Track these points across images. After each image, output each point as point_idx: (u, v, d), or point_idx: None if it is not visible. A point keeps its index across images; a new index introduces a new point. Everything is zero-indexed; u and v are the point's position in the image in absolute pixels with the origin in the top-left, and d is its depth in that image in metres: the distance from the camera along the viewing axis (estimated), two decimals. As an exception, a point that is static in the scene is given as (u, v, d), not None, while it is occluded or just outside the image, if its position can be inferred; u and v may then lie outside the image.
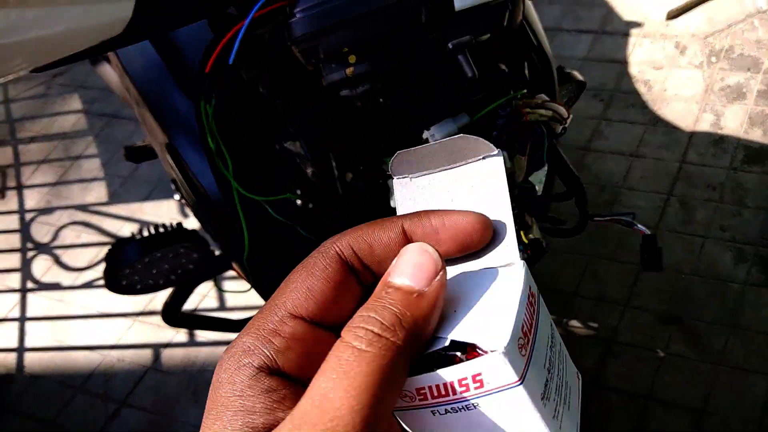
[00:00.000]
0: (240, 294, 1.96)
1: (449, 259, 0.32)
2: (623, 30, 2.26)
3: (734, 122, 2.00)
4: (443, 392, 0.28)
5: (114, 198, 2.29)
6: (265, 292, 1.04)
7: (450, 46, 0.77)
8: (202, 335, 1.89)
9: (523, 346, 0.28)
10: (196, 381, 1.80)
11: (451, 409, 0.28)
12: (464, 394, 0.28)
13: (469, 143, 0.34)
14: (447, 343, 0.28)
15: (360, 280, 0.32)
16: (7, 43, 0.55)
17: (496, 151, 0.34)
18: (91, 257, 2.15)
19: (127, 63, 1.02)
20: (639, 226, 0.96)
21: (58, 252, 2.19)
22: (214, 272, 1.04)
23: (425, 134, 0.86)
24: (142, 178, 2.31)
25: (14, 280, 2.15)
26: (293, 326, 0.29)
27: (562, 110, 0.88)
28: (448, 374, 0.27)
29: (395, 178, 0.34)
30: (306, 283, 0.30)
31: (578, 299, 1.76)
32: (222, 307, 1.95)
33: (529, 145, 0.88)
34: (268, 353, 0.28)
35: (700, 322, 1.67)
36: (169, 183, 2.23)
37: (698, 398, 1.56)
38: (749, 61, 2.12)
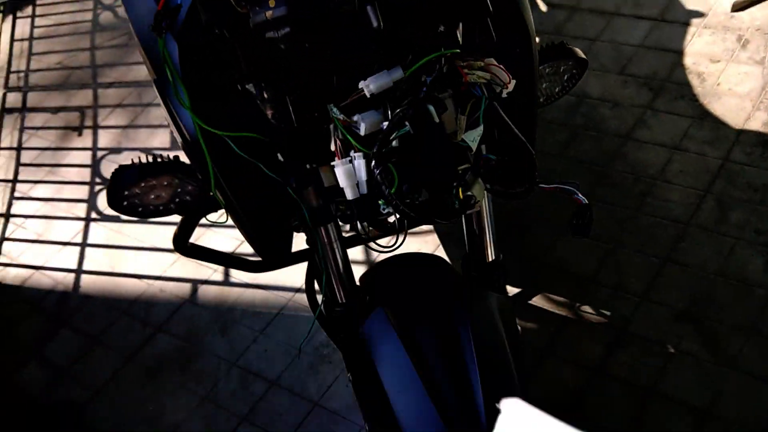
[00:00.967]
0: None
1: None
2: (684, 19, 2.18)
3: (790, 124, 1.91)
4: None
5: (175, 145, 2.47)
6: (240, 225, 1.15)
7: None
8: (235, 276, 2.04)
9: None
10: (225, 317, 1.96)
11: None
12: None
13: None
14: None
15: None
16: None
17: None
18: (148, 196, 2.34)
19: (127, 3, 1.14)
20: (579, 195, 0.99)
21: (121, 188, 2.40)
22: (211, 208, 1.15)
23: (361, 84, 0.92)
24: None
25: (81, 209, 2.38)
26: None
27: (503, 74, 0.93)
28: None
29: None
30: None
31: (595, 286, 1.76)
32: (245, 251, 2.09)
33: (469, 106, 0.93)
34: None
35: (718, 323, 1.64)
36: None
37: (703, 400, 1.53)
38: (820, 61, 2.00)
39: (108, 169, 2.48)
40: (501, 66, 0.93)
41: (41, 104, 2.81)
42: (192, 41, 0.97)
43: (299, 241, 1.25)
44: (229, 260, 1.30)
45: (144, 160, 1.07)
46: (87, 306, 2.11)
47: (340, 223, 1.11)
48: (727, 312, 1.64)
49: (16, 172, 2.58)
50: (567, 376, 1.63)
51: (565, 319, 1.72)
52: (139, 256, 2.19)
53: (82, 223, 2.34)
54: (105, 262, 2.21)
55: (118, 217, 2.32)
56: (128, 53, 2.89)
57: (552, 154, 2.04)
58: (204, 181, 1.07)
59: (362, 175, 0.94)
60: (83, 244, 2.28)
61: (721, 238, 1.77)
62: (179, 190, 1.08)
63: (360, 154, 0.94)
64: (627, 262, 1.79)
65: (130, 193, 1.06)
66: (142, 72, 2.78)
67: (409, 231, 1.45)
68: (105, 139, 2.59)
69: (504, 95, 0.94)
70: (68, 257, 2.25)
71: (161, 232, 2.22)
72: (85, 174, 2.49)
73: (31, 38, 3.14)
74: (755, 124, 1.94)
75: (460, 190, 0.92)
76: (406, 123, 0.90)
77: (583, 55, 1.19)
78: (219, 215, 1.15)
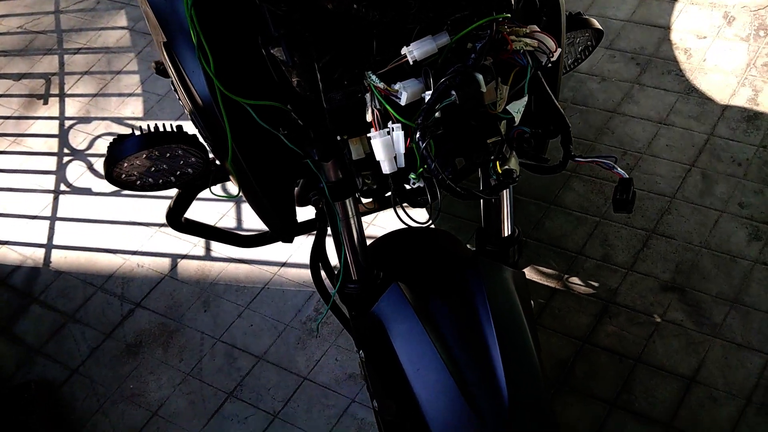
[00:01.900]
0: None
1: None
2: (671, -6, 2.18)
3: (772, 100, 1.94)
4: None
5: (149, 114, 2.37)
6: (252, 197, 1.09)
7: None
8: (217, 251, 1.98)
9: None
10: (207, 292, 1.90)
11: None
12: None
13: None
14: None
15: None
16: None
17: None
18: (122, 167, 2.25)
19: None
20: (618, 169, 0.97)
21: (92, 159, 2.29)
22: (212, 180, 1.09)
23: (404, 50, 0.88)
24: (176, 97, 2.37)
25: (50, 181, 2.27)
26: None
27: (550, 42, 0.89)
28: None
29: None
30: None
31: (582, 258, 1.78)
32: (239, 227, 2.03)
33: (512, 75, 0.89)
34: None
35: (702, 293, 1.67)
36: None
37: (689, 367, 1.57)
38: (800, 38, 2.03)
39: (76, 139, 2.36)
40: (547, 33, 0.89)
41: (2, 70, 2.66)
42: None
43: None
44: (226, 236, 1.25)
45: (144, 130, 1.00)
46: (59, 282, 2.02)
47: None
48: (712, 282, 1.68)
49: (-24, 142, 2.44)
50: (556, 347, 1.64)
51: (554, 291, 1.73)
52: (113, 230, 2.10)
53: (50, 196, 2.23)
54: (77, 237, 2.11)
55: (89, 189, 2.22)
56: (96, 17, 2.74)
57: (539, 127, 2.03)
58: (215, 151, 1.01)
59: (401, 147, 0.89)
60: (53, 218, 2.17)
61: (705, 211, 1.80)
62: (181, 162, 1.02)
63: (399, 125, 0.88)
64: (614, 234, 1.80)
65: (129, 164, 0.99)
66: (111, 37, 2.65)
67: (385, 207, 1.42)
68: (72, 107, 2.46)
69: (549, 64, 0.90)
70: (37, 232, 2.15)
71: (136, 205, 2.13)
72: (53, 144, 2.37)
73: (-12, 0, 2.96)
74: (740, 100, 1.97)
75: (498, 163, 0.89)
76: (452, 92, 0.84)
77: (599, 26, 1.17)
78: (219, 189, 1.09)
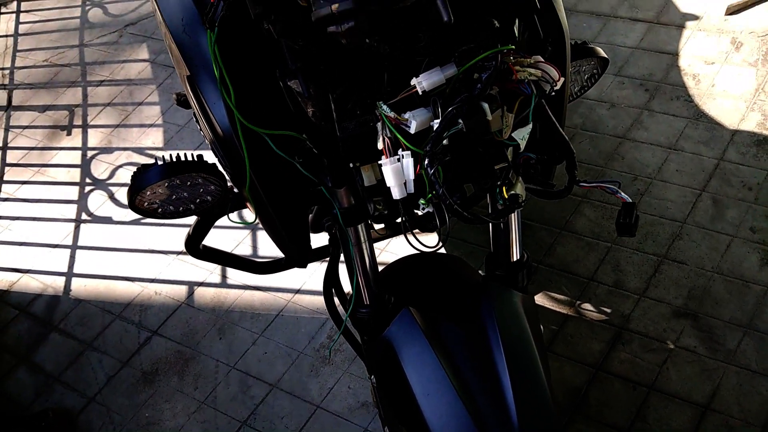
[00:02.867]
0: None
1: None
2: (679, 22, 2.21)
3: (782, 124, 1.94)
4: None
5: (169, 144, 2.43)
6: (268, 224, 1.12)
7: None
8: (232, 278, 2.02)
9: None
10: (222, 319, 1.93)
11: None
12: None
13: None
14: None
15: None
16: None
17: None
18: (140, 197, 2.30)
19: None
20: (622, 194, 0.99)
21: (113, 189, 2.35)
22: (230, 207, 1.13)
23: (413, 81, 0.91)
24: (195, 128, 2.44)
25: (71, 211, 2.33)
26: None
27: (553, 72, 0.92)
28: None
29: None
30: None
31: (594, 284, 1.78)
32: (254, 254, 2.07)
33: (517, 103, 0.92)
34: None
35: (716, 319, 1.66)
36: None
37: (703, 395, 1.56)
38: (809, 63, 2.04)
39: (98, 169, 2.43)
40: (550, 63, 0.92)
41: (27, 102, 2.75)
42: (234, 36, 0.95)
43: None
44: (243, 263, 1.28)
45: (167, 159, 1.04)
46: (78, 310, 2.07)
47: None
48: (724, 308, 1.67)
49: (2, 172, 2.51)
50: (569, 374, 1.64)
51: (566, 317, 1.73)
52: (133, 258, 2.15)
53: (72, 225, 2.29)
54: (97, 265, 2.16)
55: (110, 218, 2.28)
56: (119, 51, 2.84)
57: (549, 153, 2.05)
58: (234, 179, 1.05)
59: (410, 174, 0.92)
60: (74, 246, 2.23)
61: (717, 236, 1.80)
62: (201, 190, 1.06)
63: (408, 152, 0.92)
64: (625, 260, 1.80)
65: (152, 193, 1.03)
66: (133, 70, 2.74)
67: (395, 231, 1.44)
68: (95, 138, 2.54)
69: (552, 93, 0.93)
70: (58, 260, 2.20)
71: (155, 234, 2.18)
72: (75, 174, 2.43)
73: (16, 34, 3.06)
74: (749, 125, 1.98)
75: (504, 189, 0.91)
76: (459, 120, 0.88)
77: (605, 55, 1.20)
78: (236, 216, 1.13)
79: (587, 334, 1.70)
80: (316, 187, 1.03)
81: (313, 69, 0.93)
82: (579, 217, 1.91)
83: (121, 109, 2.61)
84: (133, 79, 2.69)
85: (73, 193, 2.38)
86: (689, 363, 1.61)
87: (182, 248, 2.10)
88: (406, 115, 0.91)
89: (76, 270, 2.17)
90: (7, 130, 2.67)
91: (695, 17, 2.22)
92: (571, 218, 1.91)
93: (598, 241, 1.85)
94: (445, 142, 0.89)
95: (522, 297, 1.10)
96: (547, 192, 1.00)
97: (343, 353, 1.80)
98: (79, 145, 2.53)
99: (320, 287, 1.92)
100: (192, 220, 1.25)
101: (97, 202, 2.33)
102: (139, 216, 2.17)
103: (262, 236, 2.09)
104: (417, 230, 1.07)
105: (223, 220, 1.27)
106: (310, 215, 1.15)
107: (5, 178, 2.50)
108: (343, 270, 1.21)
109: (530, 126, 0.93)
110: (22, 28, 3.08)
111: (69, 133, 2.59)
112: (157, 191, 1.04)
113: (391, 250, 1.96)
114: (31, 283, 2.16)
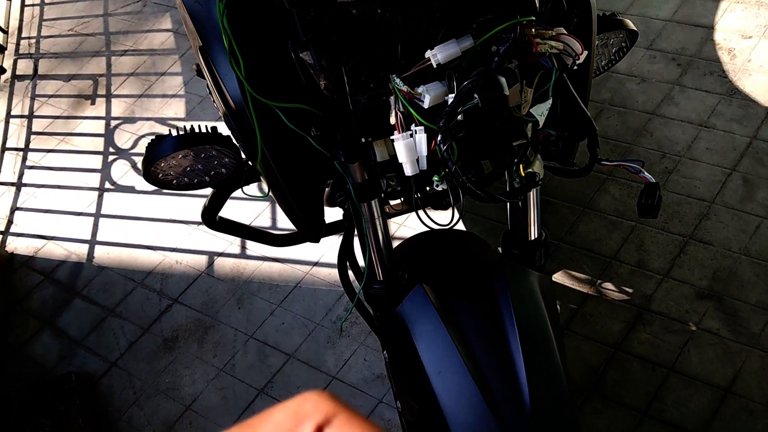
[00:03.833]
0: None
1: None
2: (715, -7, 2.12)
3: (821, 102, 1.87)
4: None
5: (191, 115, 2.43)
6: (280, 198, 1.11)
7: None
8: (251, 249, 2.03)
9: None
10: (241, 290, 1.95)
11: None
12: None
13: None
14: None
15: None
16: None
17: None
18: (162, 167, 2.31)
19: None
20: (645, 173, 0.94)
21: (135, 158, 2.37)
22: (245, 180, 1.12)
23: (428, 53, 0.88)
24: (216, 99, 2.43)
25: (94, 179, 2.35)
26: None
27: (576, 45, 0.87)
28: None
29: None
30: None
31: (617, 263, 1.74)
32: (273, 226, 2.07)
33: (537, 78, 0.88)
34: None
35: (740, 302, 1.62)
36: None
37: (724, 378, 1.53)
38: None
39: (121, 138, 2.45)
40: (573, 36, 0.88)
41: (53, 72, 2.77)
42: (245, 6, 0.93)
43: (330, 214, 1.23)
44: (258, 235, 1.28)
45: (181, 131, 1.04)
46: (101, 277, 2.10)
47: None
48: (750, 291, 1.63)
49: (28, 141, 2.55)
50: (587, 353, 1.62)
51: (586, 296, 1.70)
52: (154, 228, 2.17)
53: (95, 194, 2.32)
54: (119, 233, 2.19)
55: (133, 187, 2.30)
56: (143, 20, 2.84)
57: (575, 129, 2.00)
58: (246, 152, 1.03)
59: (423, 150, 0.89)
60: (97, 215, 2.26)
61: (746, 217, 1.74)
62: (216, 162, 1.05)
63: (421, 128, 0.89)
64: (650, 239, 1.76)
65: (166, 164, 1.03)
66: (156, 40, 2.73)
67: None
68: (118, 108, 2.55)
69: (574, 67, 0.89)
70: (82, 228, 2.24)
71: (176, 204, 2.20)
72: (99, 143, 2.46)
73: (42, 4, 3.08)
74: (785, 102, 1.90)
75: (521, 167, 0.89)
76: (475, 95, 0.85)
77: (634, 27, 1.15)
78: (251, 188, 1.12)
79: (607, 314, 1.67)
80: (329, 161, 1.01)
81: (325, 40, 0.90)
82: (603, 195, 1.87)
83: (144, 79, 2.61)
84: (156, 49, 2.69)
85: (96, 162, 2.40)
86: (711, 345, 1.58)
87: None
88: (420, 89, 0.88)
89: (99, 238, 2.20)
90: (33, 98, 2.69)
91: (733, -11, 2.13)
92: (595, 196, 1.87)
93: (623, 220, 1.81)
94: (459, 117, 0.86)
95: (538, 276, 1.08)
96: (568, 170, 0.97)
97: (360, 326, 1.80)
98: (103, 114, 2.55)
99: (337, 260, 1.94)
100: (208, 191, 1.25)
101: (120, 172, 2.35)
102: (170, 193, 2.20)
103: (280, 209, 2.09)
104: (429, 207, 1.05)
105: (240, 192, 1.26)
106: (327, 189, 1.14)
107: (31, 146, 2.53)
108: (357, 244, 1.20)
109: (550, 102, 0.89)
110: (48, -3, 3.10)
111: (93, 103, 2.60)
112: (171, 163, 1.03)
113: (410, 225, 1.94)
114: (55, 250, 2.20)
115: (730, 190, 1.79)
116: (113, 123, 2.51)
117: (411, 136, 0.90)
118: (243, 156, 1.11)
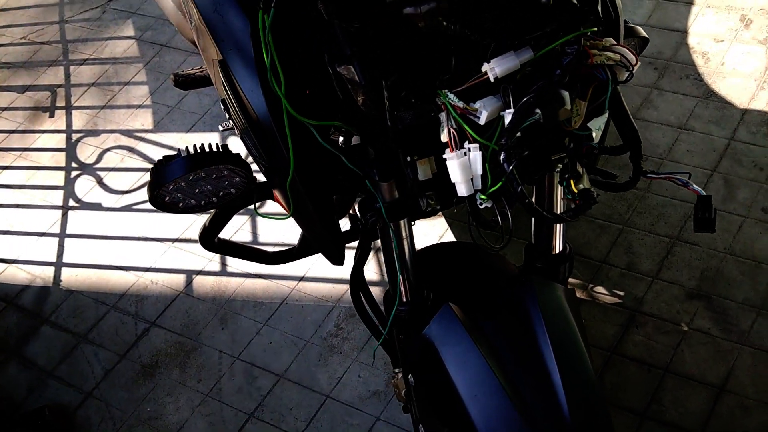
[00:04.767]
0: (273, 228, 2.00)
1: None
2: (687, -2, 2.17)
3: (792, 103, 1.93)
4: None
5: (159, 126, 2.33)
6: (306, 221, 1.06)
7: None
8: (233, 266, 1.95)
9: None
10: (223, 309, 1.86)
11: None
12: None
13: None
14: None
15: None
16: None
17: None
18: (132, 181, 2.20)
19: None
20: (694, 186, 0.93)
21: (101, 173, 2.25)
22: (254, 199, 1.06)
23: (485, 67, 0.84)
24: (187, 109, 2.34)
25: (58, 197, 2.22)
26: None
27: (631, 56, 0.85)
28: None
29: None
30: None
31: (607, 267, 1.75)
32: (255, 241, 2.00)
33: (591, 90, 0.86)
34: None
35: (729, 300, 1.65)
36: (212, 116, 2.26)
37: (718, 376, 1.55)
38: (817, 40, 2.02)
39: (84, 152, 2.32)
40: (627, 46, 0.86)
41: (6, 83, 2.61)
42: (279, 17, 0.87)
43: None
44: (257, 255, 1.21)
45: (191, 151, 0.96)
46: (70, 301, 1.98)
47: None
48: (737, 289, 1.66)
49: (-20, 158, 2.39)
50: (585, 359, 1.62)
51: (579, 301, 1.70)
52: (125, 246, 2.06)
53: (59, 212, 2.19)
54: (87, 254, 2.07)
55: (99, 204, 2.18)
56: (102, 27, 2.70)
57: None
58: (268, 171, 0.97)
59: (478, 168, 0.84)
60: (62, 235, 2.13)
61: (729, 217, 1.78)
62: (226, 182, 0.98)
63: (476, 145, 0.84)
64: (638, 242, 1.78)
65: (174, 187, 0.96)
66: (118, 48, 2.61)
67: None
68: (80, 120, 2.42)
69: (631, 78, 0.87)
70: (46, 249, 2.11)
71: (148, 221, 2.09)
72: (60, 158, 2.32)
73: (-10, 11, 2.91)
74: (759, 104, 1.96)
75: (572, 182, 0.86)
76: (537, 111, 0.81)
77: (645, 34, 1.14)
78: (259, 206, 1.06)
79: (600, 318, 1.67)
80: (360, 180, 0.96)
81: (370, 54, 0.85)
82: (589, 199, 1.88)
83: (107, 89, 2.49)
84: (119, 58, 2.57)
85: (58, 178, 2.27)
86: (703, 345, 1.60)
87: (178, 235, 2.02)
88: (476, 105, 0.84)
89: (65, 259, 2.08)
90: (-16, 112, 2.53)
91: (703, -7, 2.18)
92: (582, 200, 1.88)
93: (610, 224, 1.82)
94: (518, 134, 0.83)
95: (563, 289, 1.06)
96: (611, 184, 0.95)
97: (351, 342, 1.75)
98: (63, 127, 2.41)
99: (325, 274, 1.88)
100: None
101: (85, 188, 2.22)
102: (141, 209, 2.09)
103: (261, 222, 2.02)
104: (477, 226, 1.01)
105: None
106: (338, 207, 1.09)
107: (-16, 163, 2.38)
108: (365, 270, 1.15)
109: (606, 115, 0.87)
110: (-4, 4, 2.92)
111: (52, 115, 2.47)
112: (180, 185, 0.96)
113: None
114: (18, 274, 2.07)
115: (712, 191, 1.83)
116: (75, 136, 2.38)
117: (465, 154, 0.85)
118: (255, 176, 1.05)
